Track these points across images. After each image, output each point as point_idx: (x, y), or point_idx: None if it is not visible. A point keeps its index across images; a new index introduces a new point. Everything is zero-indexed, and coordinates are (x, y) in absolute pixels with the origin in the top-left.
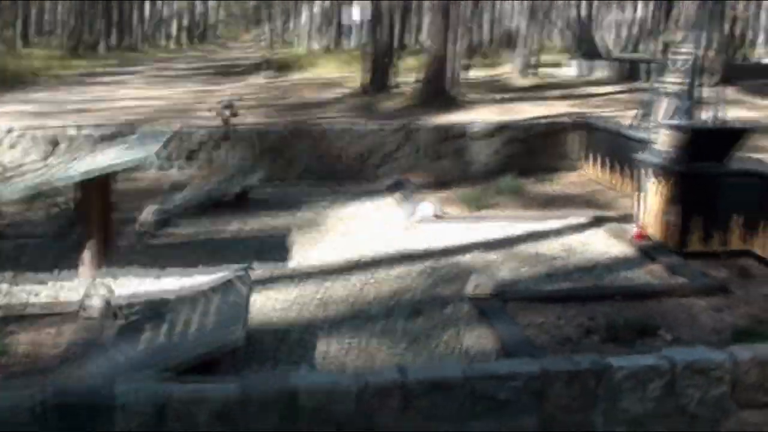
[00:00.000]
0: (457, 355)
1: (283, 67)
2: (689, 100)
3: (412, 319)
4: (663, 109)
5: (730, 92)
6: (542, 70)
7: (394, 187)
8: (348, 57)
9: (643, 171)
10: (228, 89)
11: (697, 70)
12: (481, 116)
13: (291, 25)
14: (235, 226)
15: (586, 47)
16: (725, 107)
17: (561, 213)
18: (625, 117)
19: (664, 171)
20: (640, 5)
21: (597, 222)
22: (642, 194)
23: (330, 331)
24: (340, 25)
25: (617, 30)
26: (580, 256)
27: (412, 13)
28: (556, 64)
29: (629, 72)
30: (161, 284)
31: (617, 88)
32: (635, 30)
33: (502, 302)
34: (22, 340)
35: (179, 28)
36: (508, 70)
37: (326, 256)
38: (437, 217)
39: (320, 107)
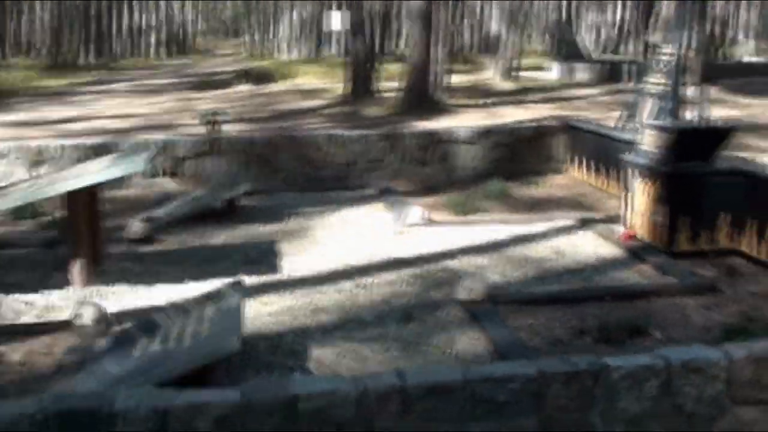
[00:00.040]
0: (451, 359)
1: (265, 76)
2: (673, 101)
3: (405, 324)
4: (647, 109)
5: (712, 91)
6: (524, 74)
7: (382, 193)
8: (330, 65)
9: (629, 172)
10: (211, 99)
11: (680, 71)
12: (465, 121)
13: (272, 33)
14: (224, 235)
15: (567, 50)
16: (709, 106)
17: (548, 215)
18: (609, 119)
19: (650, 171)
20: (619, 6)
21: (585, 224)
22: (629, 195)
23: (323, 337)
24: (321, 32)
25: (597, 32)
26: (569, 257)
27: (392, 18)
28: (538, 68)
29: (610, 74)
30: (152, 294)
31: (599, 90)
32: (616, 31)
33: (493, 305)
34: (16, 350)
35: (159, 40)
36: (490, 75)
37: (317, 263)
38: (426, 222)
39: (304, 115)
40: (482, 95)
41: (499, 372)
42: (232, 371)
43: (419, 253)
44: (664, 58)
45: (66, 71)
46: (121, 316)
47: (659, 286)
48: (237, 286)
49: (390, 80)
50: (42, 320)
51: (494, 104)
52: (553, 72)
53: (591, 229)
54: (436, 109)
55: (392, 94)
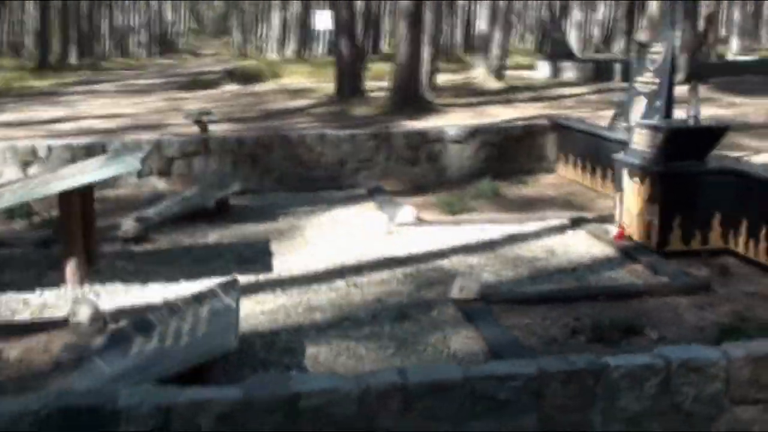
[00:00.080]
0: (446, 358)
1: (252, 75)
2: (664, 100)
3: (399, 323)
4: (638, 108)
5: (702, 90)
6: (512, 73)
7: (372, 193)
8: (319, 63)
9: (621, 171)
10: (198, 99)
11: (671, 69)
12: (454, 120)
13: (261, 32)
14: (216, 234)
15: (555, 48)
16: (700, 105)
17: (540, 215)
18: (597, 117)
19: (642, 171)
20: (608, 5)
21: (576, 223)
22: (621, 194)
23: (318, 335)
24: (310, 31)
25: (585, 30)
26: (562, 257)
27: (378, 18)
28: (525, 66)
29: (598, 72)
30: (146, 293)
31: (587, 89)
32: (604, 30)
33: (486, 305)
34: (13, 348)
35: (145, 40)
36: (478, 74)
37: (310, 262)
38: (417, 221)
39: (293, 115)
40: (470, 94)
41: (500, 370)
42: (229, 369)
43: (411, 252)
44: (654, 56)
45: (53, 71)
46: (117, 314)
47: (652, 285)
48: (233, 284)
49: (377, 80)
50: (38, 318)
51: (482, 103)
52: (540, 71)
53: (582, 229)
54: (424, 108)
55: (380, 94)
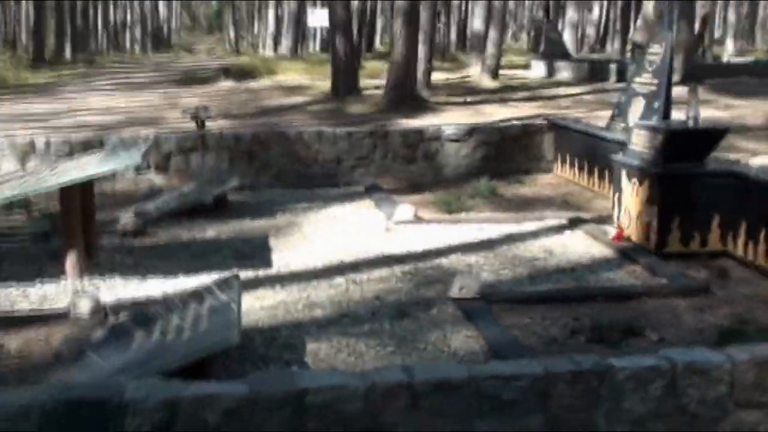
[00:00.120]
0: (446, 357)
1: (247, 72)
2: (663, 101)
3: (398, 321)
4: (636, 109)
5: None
6: (507, 72)
7: (370, 191)
8: (314, 61)
9: (620, 172)
10: (196, 94)
11: (670, 71)
12: (450, 119)
13: (256, 29)
14: (214, 230)
15: (551, 48)
16: (699, 107)
17: (538, 215)
18: (593, 118)
19: (641, 172)
20: (603, 5)
21: (574, 223)
22: (619, 195)
23: (318, 332)
24: (306, 28)
25: (580, 30)
26: (560, 257)
27: (375, 16)
28: (521, 66)
29: (593, 72)
30: (146, 287)
31: (583, 89)
32: (599, 30)
33: (486, 304)
34: (13, 339)
35: (140, 36)
36: (473, 73)
37: (308, 259)
38: (415, 219)
39: (289, 112)
40: (466, 93)
41: (506, 370)
42: (229, 365)
43: (409, 250)
44: (653, 57)
45: (48, 66)
46: (117, 307)
47: (651, 287)
48: (234, 279)
49: (371, 78)
50: (38, 311)
51: (478, 102)
52: (535, 70)
53: (580, 229)
54: (420, 106)
55: (375, 92)
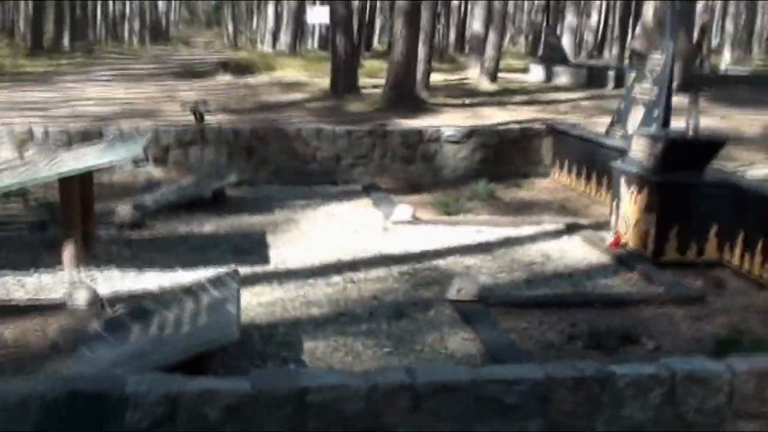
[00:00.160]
0: (444, 359)
1: (245, 67)
2: (663, 109)
3: (396, 321)
4: (636, 117)
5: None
6: (506, 75)
7: (368, 190)
8: (313, 57)
9: (619, 179)
10: (194, 88)
11: (670, 79)
12: (449, 120)
13: (254, 24)
14: (212, 224)
15: (550, 52)
16: (699, 116)
17: (535, 219)
18: (591, 124)
19: (640, 180)
20: (603, 11)
21: (572, 229)
22: (618, 202)
23: (315, 330)
24: (305, 25)
25: (579, 35)
26: (558, 262)
27: (376, 14)
28: (519, 69)
29: (591, 78)
30: (143, 279)
31: (581, 94)
32: (598, 36)
33: (484, 307)
34: (9, 329)
35: (138, 27)
36: (472, 74)
37: (306, 256)
38: (413, 220)
39: (287, 108)
40: (464, 95)
41: (508, 374)
42: (227, 361)
43: (407, 250)
44: (653, 65)
45: (46, 55)
46: (114, 299)
47: (649, 295)
48: (233, 275)
49: (370, 77)
50: (35, 301)
51: (476, 104)
52: (534, 74)
53: (578, 235)
54: (419, 107)
55: (374, 91)
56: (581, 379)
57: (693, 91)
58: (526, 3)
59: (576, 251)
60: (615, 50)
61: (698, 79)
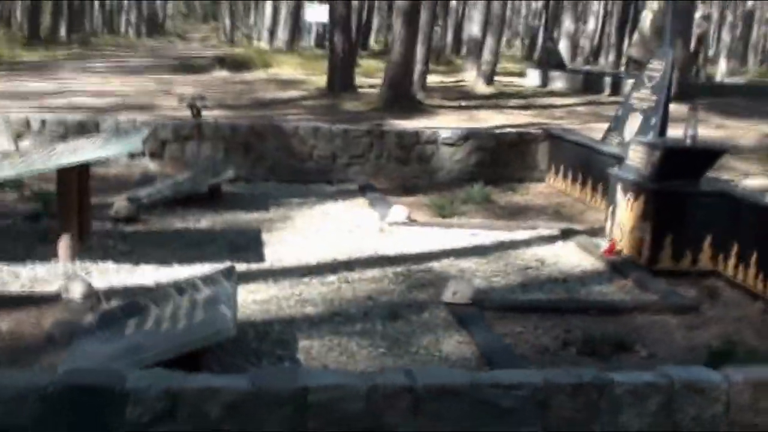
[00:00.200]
0: (438, 361)
1: (242, 63)
2: (660, 117)
3: (390, 322)
4: (633, 124)
5: (689, 110)
6: (502, 79)
7: (363, 190)
8: (310, 55)
9: (615, 186)
10: (190, 82)
11: (669, 87)
12: (445, 122)
13: (251, 20)
14: (208, 220)
15: (547, 57)
16: (698, 125)
17: (530, 224)
18: (587, 130)
19: (636, 187)
20: (599, 17)
21: (566, 234)
22: (613, 209)
23: (310, 329)
24: (299, 23)
25: (576, 41)
26: (552, 267)
27: (373, 13)
28: (516, 73)
29: (587, 84)
30: (138, 274)
31: (577, 100)
32: (594, 42)
33: (479, 310)
34: (4, 320)
35: (135, 20)
36: (468, 77)
37: (301, 255)
38: (408, 221)
39: (284, 106)
40: (460, 97)
41: (507, 379)
42: (223, 357)
43: (402, 252)
44: (652, 73)
45: (43, 45)
46: (110, 293)
47: (643, 302)
48: (230, 271)
49: (366, 76)
50: (29, 292)
51: (472, 107)
52: (530, 78)
53: (572, 241)
54: (415, 108)
55: (370, 90)
56: (579, 385)
57: (693, 101)
58: (523, 7)
59: (570, 257)
60: (611, 57)
61: (694, 89)
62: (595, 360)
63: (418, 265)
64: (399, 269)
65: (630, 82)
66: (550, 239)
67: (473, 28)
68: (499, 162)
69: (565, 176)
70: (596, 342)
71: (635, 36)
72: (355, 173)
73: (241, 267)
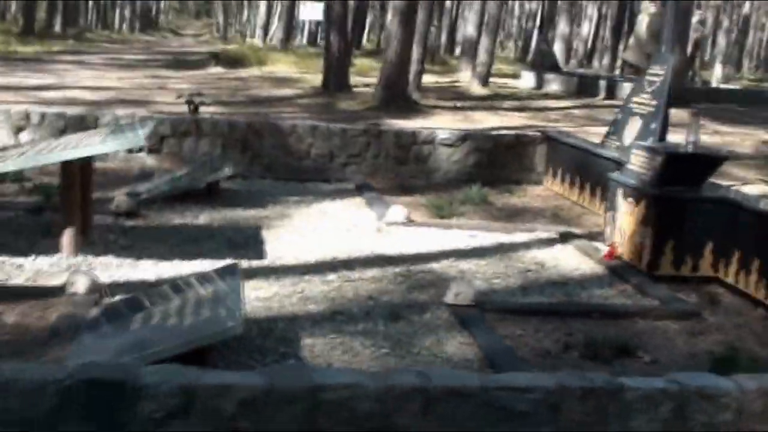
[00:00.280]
0: (441, 362)
1: (236, 60)
2: (660, 122)
3: (392, 323)
4: (633, 129)
5: (686, 116)
6: (497, 80)
7: (360, 189)
8: (304, 54)
9: (615, 191)
10: (185, 78)
11: (669, 92)
12: (440, 122)
13: (245, 17)
14: (206, 216)
15: (542, 59)
16: (699, 131)
17: (529, 226)
18: (582, 133)
19: (637, 192)
20: (594, 20)
21: (565, 238)
22: (614, 214)
23: (313, 327)
24: (293, 21)
25: (569, 44)
26: (552, 270)
27: (367, 12)
28: (509, 75)
29: (582, 87)
30: (140, 268)
31: (572, 102)
32: (588, 45)
33: (480, 312)
34: (9, 313)
35: (129, 15)
36: (463, 78)
37: (300, 253)
38: (407, 222)
39: (280, 103)
40: (455, 98)
41: (519, 382)
42: (228, 354)
43: (401, 252)
44: (652, 78)
45: (38, 39)
46: (115, 288)
47: (644, 308)
48: (234, 268)
49: (360, 75)
50: (34, 285)
51: (468, 108)
52: (525, 80)
53: (571, 244)
54: (411, 108)
55: (365, 90)
56: (591, 389)
57: (689, 106)
58: (516, 8)
59: (570, 260)
60: (606, 60)
61: (690, 93)
62: (597, 364)
63: (417, 266)
64: (399, 269)
65: (626, 85)
66: (549, 242)
67: (468, 28)
68: (497, 164)
69: (562, 179)
70: (598, 346)
71: (631, 39)
72: (352, 172)
73: (242, 264)
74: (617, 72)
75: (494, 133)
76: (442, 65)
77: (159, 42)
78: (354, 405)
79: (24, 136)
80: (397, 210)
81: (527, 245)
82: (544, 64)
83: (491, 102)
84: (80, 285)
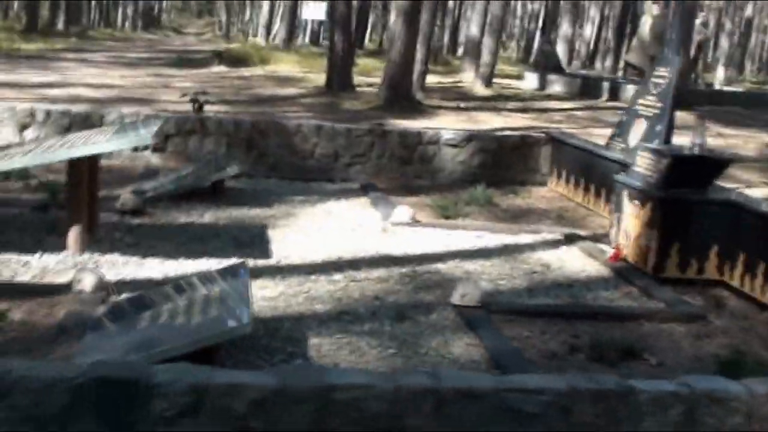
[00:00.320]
0: (448, 363)
1: (239, 59)
2: (666, 124)
3: (398, 323)
4: (638, 131)
5: (690, 118)
6: (501, 81)
7: (365, 189)
8: (307, 53)
9: (621, 193)
10: (189, 77)
11: (675, 95)
12: (444, 123)
13: (247, 16)
14: (211, 215)
15: (544, 60)
16: (706, 134)
17: (534, 228)
18: (585, 134)
19: (643, 194)
20: (597, 22)
21: (570, 239)
22: (619, 216)
23: (319, 327)
24: (296, 20)
25: (573, 45)
26: (557, 272)
27: (369, 12)
28: (514, 76)
29: (586, 88)
30: (146, 267)
31: (575, 104)
32: (590, 46)
33: (486, 313)
34: (16, 309)
35: (135, 12)
36: (466, 78)
37: (306, 253)
38: (412, 222)
39: (284, 103)
40: (459, 98)
41: (531, 383)
42: (235, 354)
43: (407, 252)
44: (658, 80)
45: (41, 36)
46: (122, 286)
47: (650, 310)
48: (242, 267)
49: (363, 75)
50: (41, 282)
51: (471, 109)
52: (528, 81)
53: (576, 246)
54: (414, 108)
55: (368, 89)
56: (602, 391)
57: (692, 108)
58: (518, 9)
59: (575, 262)
60: (608, 61)
61: (693, 95)
62: (603, 366)
63: (423, 266)
64: (405, 269)
65: (629, 87)
66: (554, 244)
67: (472, 28)
68: (502, 164)
69: (567, 180)
70: (604, 348)
71: (634, 41)
72: (356, 172)
73: (248, 263)
74: (620, 74)
75: (499, 133)
76: (445, 65)
77: (161, 40)
78: (365, 405)
79: (29, 134)
80: (403, 210)
81: (532, 246)
82: (547, 65)
83: (494, 103)
84: (87, 283)
